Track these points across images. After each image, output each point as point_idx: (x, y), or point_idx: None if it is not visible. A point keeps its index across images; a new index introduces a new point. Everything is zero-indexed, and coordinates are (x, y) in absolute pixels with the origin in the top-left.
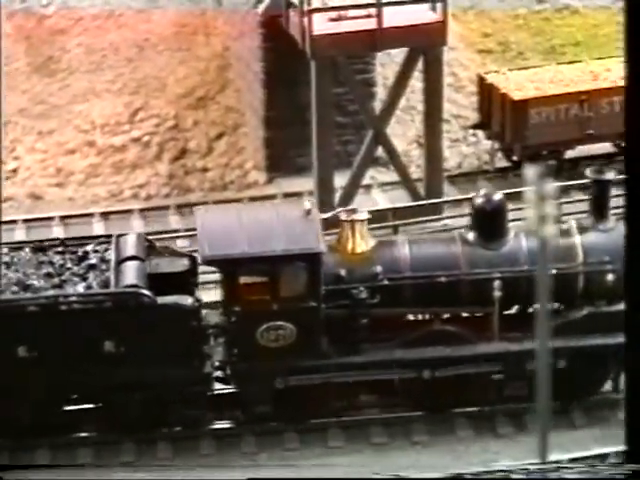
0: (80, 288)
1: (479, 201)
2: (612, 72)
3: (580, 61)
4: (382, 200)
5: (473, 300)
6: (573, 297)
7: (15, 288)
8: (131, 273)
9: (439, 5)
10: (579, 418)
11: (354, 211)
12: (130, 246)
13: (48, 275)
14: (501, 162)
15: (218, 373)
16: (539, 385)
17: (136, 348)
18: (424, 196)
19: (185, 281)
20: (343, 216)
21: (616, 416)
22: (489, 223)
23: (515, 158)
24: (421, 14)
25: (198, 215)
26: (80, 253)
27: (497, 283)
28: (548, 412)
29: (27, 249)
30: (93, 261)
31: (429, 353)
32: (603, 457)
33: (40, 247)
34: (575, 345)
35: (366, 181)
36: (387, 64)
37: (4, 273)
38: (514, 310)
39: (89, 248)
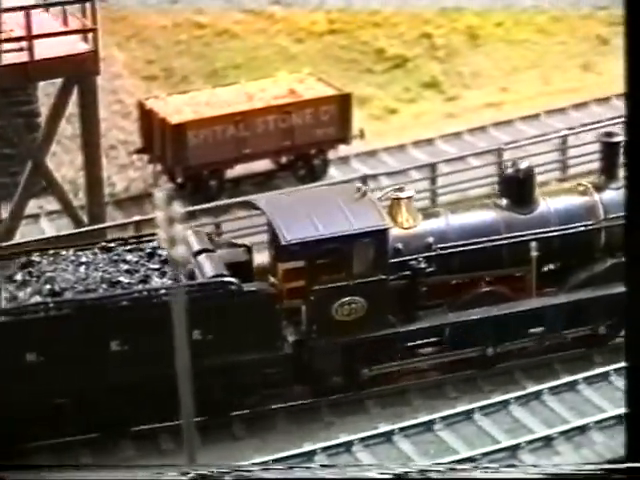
0: (167, 281)
1: (510, 171)
2: (266, 92)
3: (236, 83)
4: (49, 228)
5: (513, 261)
6: (596, 251)
7: (104, 286)
8: (212, 264)
9: (90, 36)
10: (239, 430)
11: (402, 190)
12: (196, 240)
13: (128, 272)
14: (167, 184)
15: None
16: (183, 402)
17: (222, 334)
18: (86, 222)
19: (246, 269)
20: (393, 195)
21: (275, 427)
22: (520, 190)
23: (179, 180)
24: (73, 45)
25: (263, 204)
26: (148, 250)
27: (534, 244)
28: (193, 426)
29: (96, 249)
30: (166, 256)
31: (480, 314)
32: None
33: (107, 247)
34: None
35: (34, 210)
36: (53, 94)
37: (86, 273)
38: (547, 268)
39: (154, 244)
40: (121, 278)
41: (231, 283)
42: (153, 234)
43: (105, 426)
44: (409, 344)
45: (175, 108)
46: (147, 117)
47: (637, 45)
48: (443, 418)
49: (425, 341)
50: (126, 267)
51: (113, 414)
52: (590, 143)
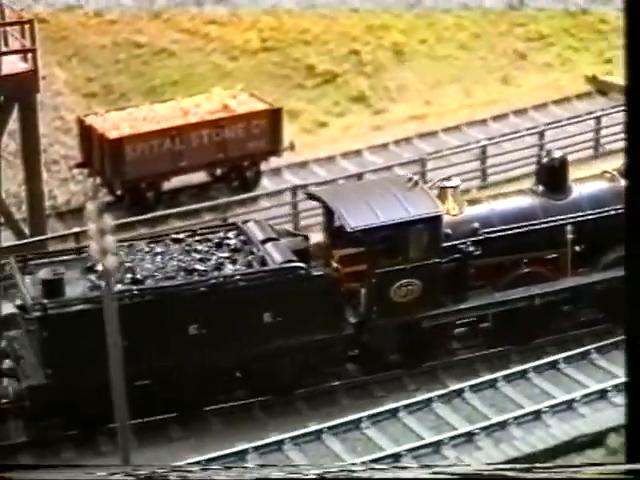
0: (240, 268)
1: (545, 160)
2: (201, 107)
3: (173, 99)
4: None
5: (549, 244)
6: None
7: (182, 273)
8: (279, 252)
9: (30, 55)
10: (175, 431)
11: (449, 179)
12: (259, 230)
13: (201, 260)
14: (107, 197)
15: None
16: (116, 404)
17: (290, 316)
18: (28, 234)
19: (306, 256)
20: (441, 184)
21: (210, 428)
22: (555, 178)
23: (117, 192)
24: (13, 65)
25: (322, 195)
26: (216, 240)
27: (569, 228)
28: (128, 429)
29: (167, 240)
30: (234, 245)
31: (521, 293)
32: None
33: (178, 238)
34: None
35: None
36: None
37: (163, 262)
38: (579, 249)
39: (221, 235)
40: (197, 266)
41: (301, 268)
42: (218, 225)
43: (183, 405)
44: (459, 322)
45: (113, 124)
46: (87, 133)
47: (637, 42)
48: (369, 417)
49: (473, 319)
50: (199, 256)
51: (191, 393)
52: (509, 152)
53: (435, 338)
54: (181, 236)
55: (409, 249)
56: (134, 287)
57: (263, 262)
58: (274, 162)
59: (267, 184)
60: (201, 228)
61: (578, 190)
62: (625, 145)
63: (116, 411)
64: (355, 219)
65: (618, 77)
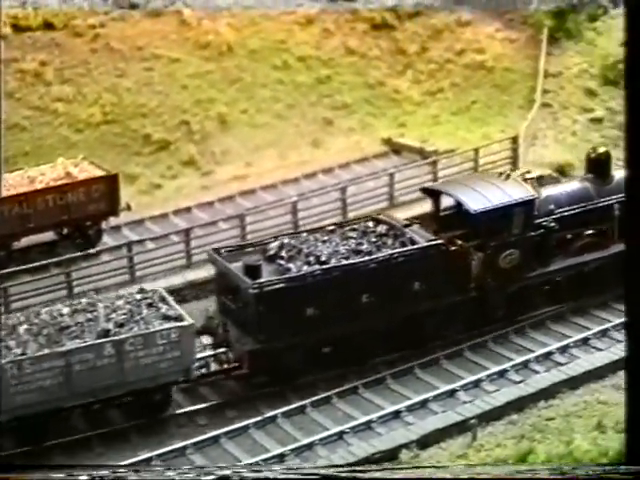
0: (397, 248)
1: (593, 155)
2: (46, 175)
3: (21, 169)
4: None
5: (602, 219)
6: None
7: (349, 255)
8: (420, 234)
9: None
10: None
11: (529, 172)
12: (392, 220)
13: (360, 244)
14: None
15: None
16: None
17: (432, 284)
18: None
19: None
20: (524, 176)
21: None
22: (602, 168)
23: None
24: None
25: (440, 187)
26: (361, 229)
27: (616, 206)
28: None
29: (323, 232)
30: (379, 232)
31: (586, 257)
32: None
33: (330, 230)
34: None
35: None
36: None
37: (333, 247)
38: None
39: (360, 225)
40: (363, 248)
41: (442, 245)
42: (358, 219)
43: (355, 360)
44: (545, 282)
45: None
46: None
47: (637, 38)
48: (193, 444)
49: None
50: (354, 241)
51: (361, 350)
52: (319, 205)
53: (529, 295)
54: (332, 228)
55: (512, 225)
56: (320, 267)
57: (412, 242)
58: (114, 221)
59: (108, 240)
60: (346, 222)
61: (619, 176)
62: (625, 140)
63: None
64: (476, 204)
65: (409, 139)
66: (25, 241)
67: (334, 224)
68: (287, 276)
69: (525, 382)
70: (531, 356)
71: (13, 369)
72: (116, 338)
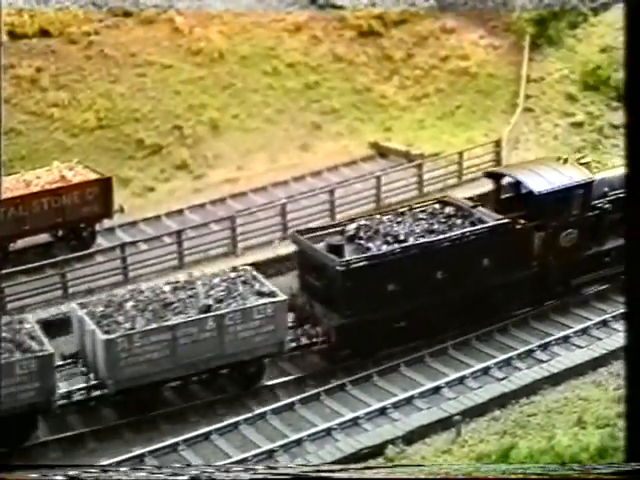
0: (467, 227)
1: None
2: (41, 179)
3: (17, 173)
4: None
5: None
6: None
7: (424, 234)
8: (487, 214)
9: None
10: None
11: (584, 157)
12: (457, 202)
13: (431, 224)
14: None
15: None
16: None
17: (500, 260)
18: None
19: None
20: (580, 160)
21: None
22: None
23: None
24: None
25: (505, 171)
26: (429, 210)
27: None
28: None
29: (394, 214)
30: (448, 213)
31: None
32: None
33: (400, 212)
34: None
35: None
36: None
37: (408, 227)
38: None
39: (428, 207)
40: (436, 227)
41: (509, 224)
42: (424, 202)
43: (429, 333)
44: (600, 260)
45: None
46: None
47: (637, 38)
48: (185, 440)
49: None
50: (425, 222)
51: (436, 324)
52: (307, 207)
53: (587, 272)
54: (402, 210)
55: (572, 206)
56: (399, 245)
57: (481, 221)
58: (108, 223)
59: (102, 241)
60: (415, 204)
61: None
62: (625, 139)
63: None
64: (539, 186)
65: (395, 143)
66: (21, 243)
67: (404, 207)
68: (370, 254)
69: (508, 379)
70: (513, 354)
71: (124, 343)
72: (217, 313)
